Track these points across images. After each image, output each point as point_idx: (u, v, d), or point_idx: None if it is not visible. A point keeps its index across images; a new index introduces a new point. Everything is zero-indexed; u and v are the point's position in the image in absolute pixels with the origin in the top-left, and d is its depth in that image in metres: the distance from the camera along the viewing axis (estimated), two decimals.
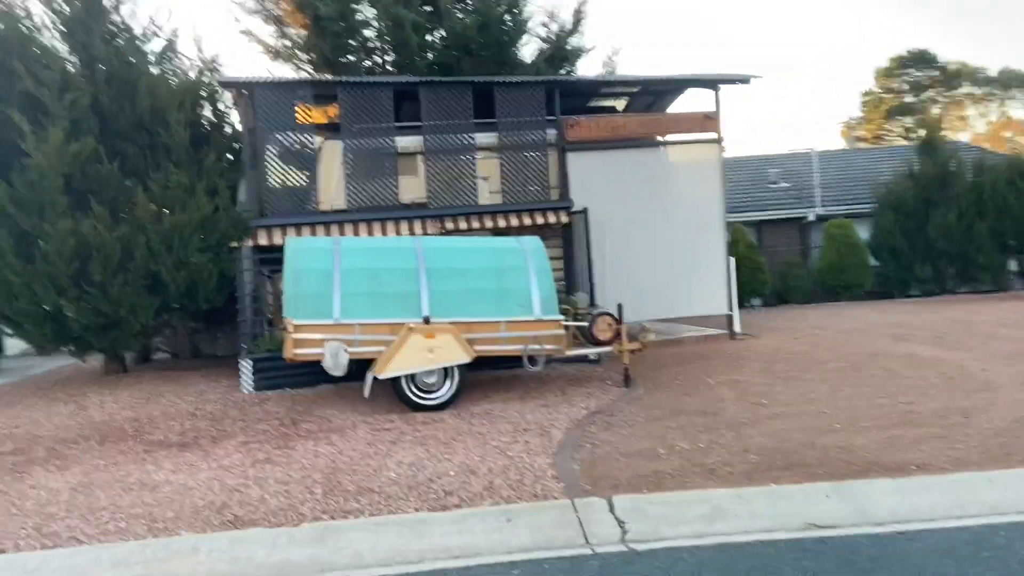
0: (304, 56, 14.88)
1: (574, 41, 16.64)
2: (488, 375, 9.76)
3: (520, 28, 15.51)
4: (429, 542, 5.11)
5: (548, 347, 8.74)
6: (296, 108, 11.15)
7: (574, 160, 12.15)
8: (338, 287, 8.35)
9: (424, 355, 8.20)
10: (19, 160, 9.73)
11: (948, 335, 11.86)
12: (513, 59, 15.58)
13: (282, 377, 9.90)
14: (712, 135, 12.62)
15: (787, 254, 21.52)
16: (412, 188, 11.71)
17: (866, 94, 43.72)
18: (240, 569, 4.91)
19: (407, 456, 6.73)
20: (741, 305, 19.05)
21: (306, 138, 11.23)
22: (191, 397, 9.94)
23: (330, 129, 11.78)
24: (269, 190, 11.12)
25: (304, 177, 11.21)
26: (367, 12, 14.60)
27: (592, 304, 11.62)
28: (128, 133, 10.54)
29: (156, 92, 10.45)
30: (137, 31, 11.31)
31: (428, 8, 14.71)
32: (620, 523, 5.22)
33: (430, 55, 14.81)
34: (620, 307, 9.46)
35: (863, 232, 20.47)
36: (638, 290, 12.29)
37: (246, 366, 10.04)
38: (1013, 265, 19.65)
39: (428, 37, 14.74)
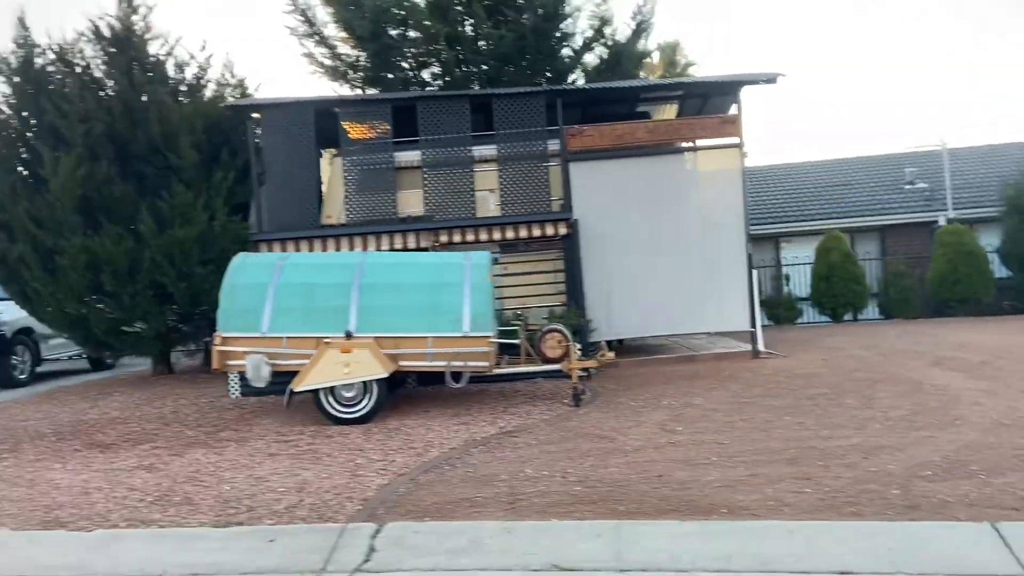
0: (353, 74, 15.47)
1: (637, 45, 16.23)
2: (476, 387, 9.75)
3: (565, 37, 15.29)
4: (191, 556, 5.19)
5: (472, 364, 8.56)
6: (299, 127, 11.62)
7: (577, 170, 11.77)
8: (270, 301, 8.64)
9: (340, 369, 8.30)
10: (43, 184, 10.92)
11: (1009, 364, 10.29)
12: (561, 67, 15.38)
13: (269, 385, 10.35)
14: (731, 140, 11.73)
15: (904, 263, 19.49)
16: (411, 202, 11.86)
17: None
18: (22, 564, 5.25)
19: (264, 470, 6.86)
20: (838, 319, 17.71)
21: (309, 155, 11.68)
22: (183, 400, 10.69)
23: (333, 145, 12.18)
24: (273, 206, 11.69)
25: (307, 193, 11.67)
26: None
27: (581, 319, 11.21)
28: (145, 156, 11.50)
29: (166, 119, 11.32)
30: (169, 62, 12.31)
31: (468, 21, 14.83)
32: (371, 551, 5.05)
33: (471, 67, 14.93)
34: (585, 323, 9.10)
35: (993, 238, 18.22)
36: (647, 305, 11.73)
37: (234, 374, 10.61)
38: None
39: (467, 49, 14.84)
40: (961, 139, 35.01)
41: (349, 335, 8.44)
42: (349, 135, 11.82)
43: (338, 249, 11.39)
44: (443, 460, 6.89)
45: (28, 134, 11.20)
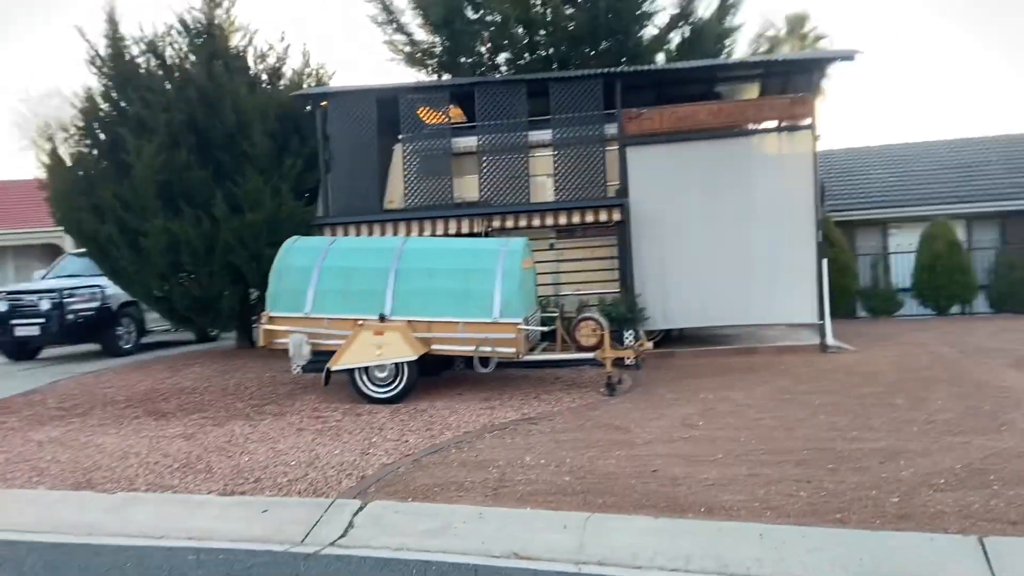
0: (429, 61, 15.72)
1: (723, 22, 15.73)
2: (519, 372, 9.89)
3: (644, 16, 14.96)
4: (192, 522, 5.56)
5: (500, 349, 8.62)
6: (362, 114, 11.97)
7: (634, 155, 11.55)
8: (314, 283, 9.01)
9: (373, 351, 8.56)
10: (130, 170, 11.74)
11: None
12: (639, 48, 15.07)
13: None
14: (803, 123, 11.18)
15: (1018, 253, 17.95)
16: (468, 187, 12.00)
17: None
18: (46, 521, 5.77)
19: (286, 444, 7.20)
20: (942, 311, 16.59)
21: (370, 141, 12.01)
22: (251, 374, 11.31)
23: (397, 133, 12.46)
24: (337, 191, 12.11)
25: (368, 178, 12.01)
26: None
27: (632, 309, 11.04)
28: (222, 143, 12.14)
29: (241, 108, 11.90)
30: (249, 54, 12.94)
31: (539, 4, 14.76)
32: (349, 527, 5.25)
33: (544, 51, 14.88)
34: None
35: None
36: (705, 294, 11.42)
37: None
38: None
39: (542, 32, 14.79)
40: None
41: (383, 318, 8.69)
42: (415, 121, 12.02)
43: (395, 233, 11.68)
44: (453, 443, 7.01)
45: (116, 123, 12.04)
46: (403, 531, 5.13)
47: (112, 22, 12.09)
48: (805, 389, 8.79)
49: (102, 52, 12.18)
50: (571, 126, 11.59)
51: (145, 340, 15.98)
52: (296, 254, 9.36)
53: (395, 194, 12.29)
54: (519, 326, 8.57)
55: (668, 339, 12.37)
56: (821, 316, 11.18)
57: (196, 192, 11.80)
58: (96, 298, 14.92)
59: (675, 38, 15.74)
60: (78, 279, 15.31)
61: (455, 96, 12.14)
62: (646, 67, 12.68)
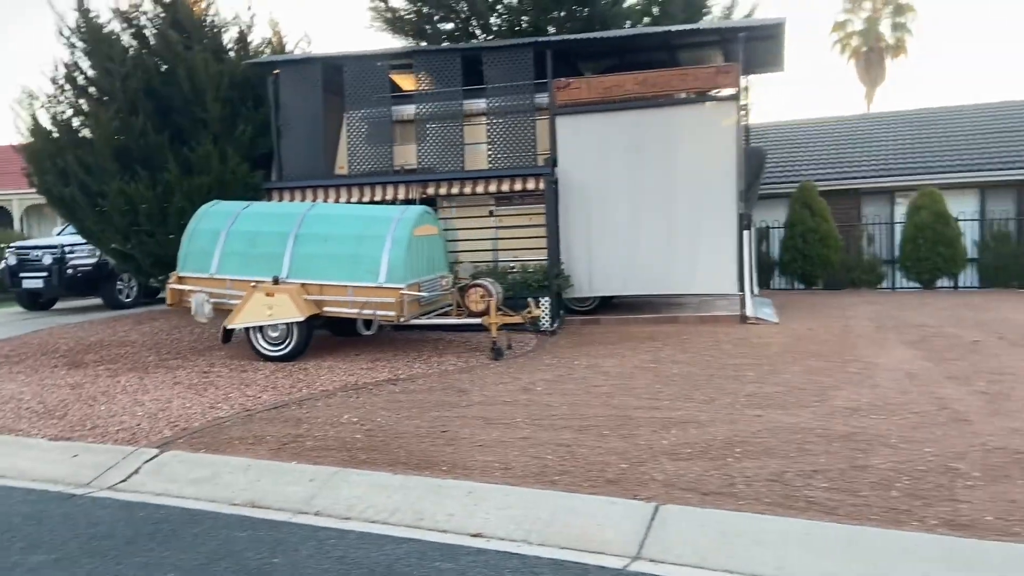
0: (408, 28, 15.96)
1: None
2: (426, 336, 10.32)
3: None
4: (11, 462, 6.21)
5: (381, 313, 9.00)
6: (309, 83, 12.38)
7: (564, 124, 11.63)
8: (221, 246, 9.57)
9: (264, 311, 9.08)
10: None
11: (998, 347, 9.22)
12: (604, 14, 14.95)
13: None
14: (727, 92, 11.04)
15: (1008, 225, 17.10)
16: (408, 155, 12.33)
17: None
18: None
19: (153, 395, 7.81)
20: (928, 285, 16.08)
21: (316, 109, 12.43)
22: (197, 332, 12.01)
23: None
24: (287, 157, 12.62)
25: (314, 144, 12.46)
26: None
27: (559, 276, 11.25)
28: (180, 110, 12.77)
29: (195, 76, 12.47)
30: (210, 22, 13.49)
31: None
32: (134, 473, 5.79)
33: (502, 17, 14.97)
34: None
35: None
36: (630, 263, 11.52)
37: None
38: None
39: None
40: None
41: (276, 280, 9.18)
42: (359, 89, 12.36)
43: (340, 198, 12.13)
44: (299, 400, 7.47)
45: (81, 90, 12.82)
46: (175, 479, 5.64)
47: None
48: (679, 359, 8.90)
49: (71, 22, 12.95)
50: (504, 95, 11.75)
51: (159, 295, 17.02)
52: (208, 218, 9.93)
53: (343, 160, 12.72)
54: (400, 291, 8.93)
55: (607, 306, 12.52)
56: (741, 287, 11.12)
57: (153, 156, 12.48)
58: (94, 255, 15.97)
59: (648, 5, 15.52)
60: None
61: (397, 65, 12.40)
62: (573, 36, 12.63)
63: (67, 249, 16.07)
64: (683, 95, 11.43)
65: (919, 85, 44.77)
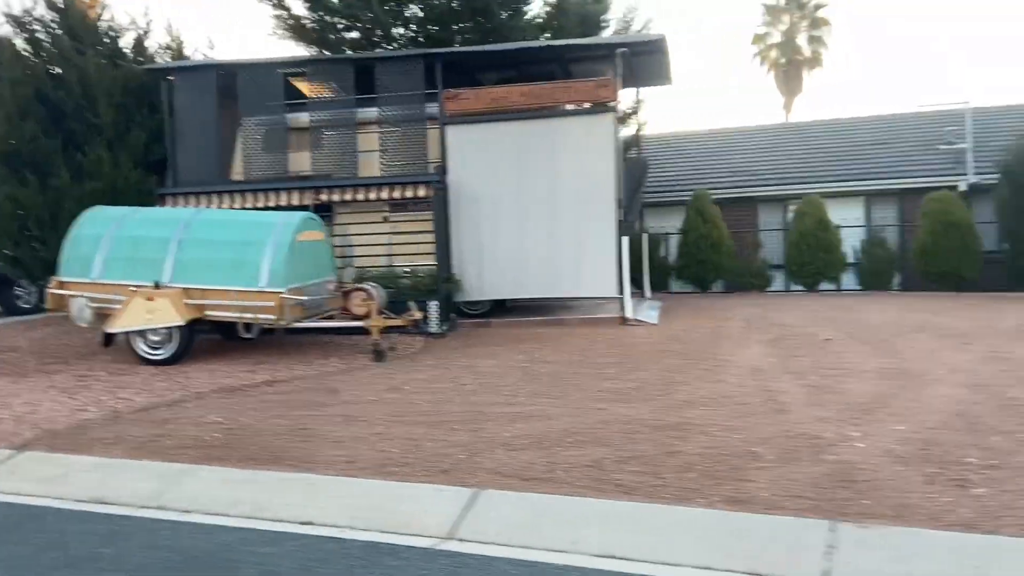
0: (312, 36, 16.12)
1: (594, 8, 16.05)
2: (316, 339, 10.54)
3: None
4: None
5: (261, 316, 9.23)
6: (203, 89, 12.48)
7: (454, 133, 12.03)
8: (103, 251, 9.62)
9: (144, 315, 9.20)
10: None
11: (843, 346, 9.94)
12: (509, 26, 15.40)
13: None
14: (606, 105, 11.60)
15: (884, 232, 18.15)
16: (302, 161, 12.54)
17: None
18: None
19: (23, 399, 7.85)
20: (811, 288, 16.97)
21: (210, 115, 12.54)
22: (88, 336, 11.95)
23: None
24: (180, 162, 12.68)
25: (208, 150, 12.56)
26: None
27: (448, 280, 11.62)
28: (73, 115, 12.70)
29: (87, 82, 12.44)
30: (103, 28, 13.43)
31: None
32: None
33: (409, 28, 15.28)
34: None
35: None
36: (518, 268, 11.97)
37: None
38: None
39: (410, 9, 15.17)
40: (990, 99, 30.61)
41: (157, 285, 9.30)
42: (254, 96, 12.52)
43: (232, 204, 12.26)
44: (170, 403, 7.65)
45: None
46: (28, 477, 5.79)
47: None
48: (552, 359, 9.37)
49: None
50: (396, 104, 12.09)
51: None
52: (90, 223, 9.98)
53: (239, 166, 12.85)
54: (281, 295, 9.16)
55: (501, 310, 12.94)
56: (620, 291, 11.68)
57: (44, 161, 12.38)
58: None
59: (547, 19, 16.03)
60: None
61: (292, 73, 12.60)
62: (460, 49, 13.12)
63: None
64: (567, 107, 11.93)
65: (835, 95, 46.96)
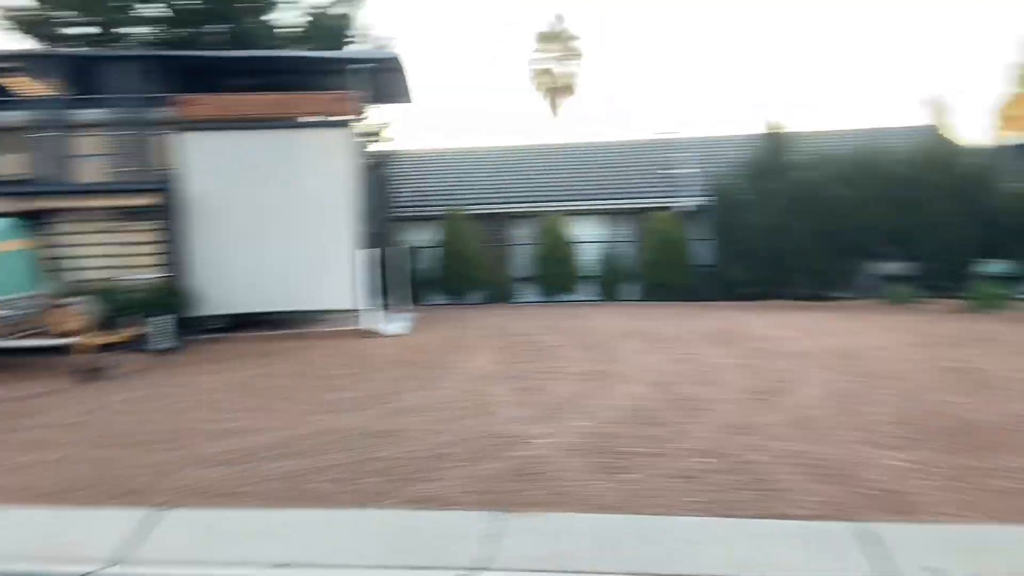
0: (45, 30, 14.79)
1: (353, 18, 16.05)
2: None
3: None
4: None
5: None
6: None
7: (189, 141, 11.56)
8: None
9: None
10: None
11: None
12: (258, 35, 15.02)
13: None
14: (343, 119, 11.72)
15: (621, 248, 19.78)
16: (13, 164, 11.43)
17: None
18: None
19: None
20: (553, 299, 18.02)
21: None
22: None
23: None
24: None
25: None
26: None
27: (180, 293, 11.11)
28: None
29: None
30: None
31: None
32: None
33: (155, 28, 14.47)
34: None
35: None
36: (260, 280, 11.68)
37: None
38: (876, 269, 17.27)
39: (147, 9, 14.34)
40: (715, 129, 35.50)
41: None
42: None
43: None
44: None
45: None
46: None
47: None
48: (282, 372, 9.30)
49: None
50: (125, 107, 11.39)
51: None
52: None
53: None
54: None
55: (247, 324, 12.52)
56: (358, 303, 11.78)
57: None
58: None
59: (307, 30, 15.87)
60: None
61: (3, 68, 11.49)
62: (194, 53, 12.75)
63: None
64: (307, 119, 11.87)
65: (601, 119, 50.48)
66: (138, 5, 14.47)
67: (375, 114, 16.35)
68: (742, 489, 5.02)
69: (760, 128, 18.17)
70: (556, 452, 5.79)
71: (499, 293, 18.24)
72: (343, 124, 11.64)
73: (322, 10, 15.49)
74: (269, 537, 4.61)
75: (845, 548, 4.32)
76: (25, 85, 11.99)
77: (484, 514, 4.72)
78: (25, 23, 15.09)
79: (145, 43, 14.79)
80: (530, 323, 13.49)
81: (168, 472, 5.55)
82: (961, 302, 14.37)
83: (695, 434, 6.20)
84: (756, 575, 4.10)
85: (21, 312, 9.02)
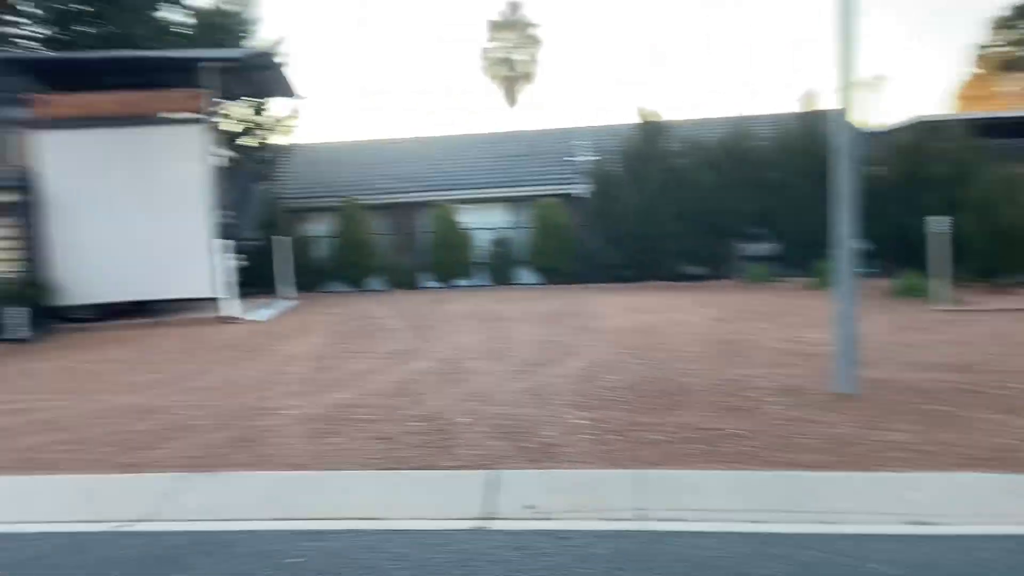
0: None
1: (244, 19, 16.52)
2: None
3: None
4: None
5: None
6: None
7: (48, 139, 12.08)
8: None
9: None
10: None
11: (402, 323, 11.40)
12: (139, 35, 15.40)
13: None
14: (196, 115, 12.28)
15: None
16: None
17: None
18: None
19: None
20: (449, 284, 18.66)
21: None
22: None
23: None
24: None
25: None
26: None
27: (36, 285, 11.65)
28: None
29: None
30: None
31: None
32: None
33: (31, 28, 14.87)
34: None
35: None
36: (121, 271, 12.25)
37: None
38: (741, 250, 18.15)
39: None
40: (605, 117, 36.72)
41: None
42: None
43: None
44: None
45: None
46: None
47: None
48: (116, 358, 9.89)
49: None
50: None
51: None
52: None
53: None
54: None
55: (118, 313, 13.08)
56: (214, 290, 12.40)
57: None
58: None
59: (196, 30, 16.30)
60: None
61: None
62: (59, 55, 13.18)
63: None
64: (165, 115, 12.40)
65: (551, 105, 51.12)
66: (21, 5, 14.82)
67: (254, 108, 16.92)
68: (423, 447, 5.70)
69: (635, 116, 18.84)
70: (289, 422, 6.45)
71: (399, 280, 18.79)
72: (196, 121, 12.19)
73: (215, 7, 15.93)
74: None
75: (470, 491, 5.00)
76: None
77: (175, 474, 5.38)
78: None
79: (30, 39, 15.17)
80: (392, 308, 14.09)
81: None
82: (811, 280, 15.20)
83: (430, 402, 6.89)
84: (382, 514, 4.78)
85: None
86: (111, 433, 6.35)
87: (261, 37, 17.21)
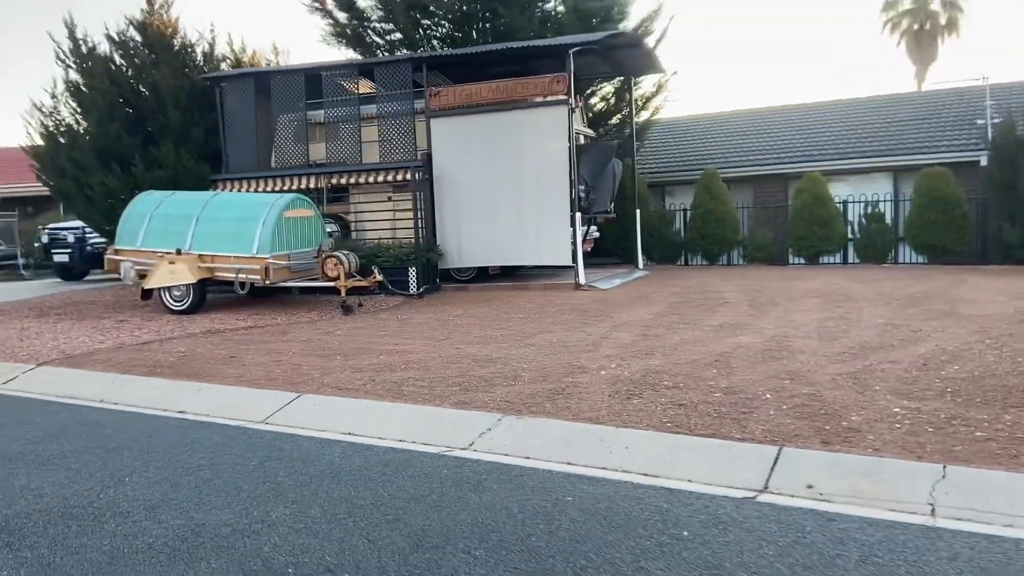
0: (346, 40, 18.58)
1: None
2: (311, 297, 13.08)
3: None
4: None
5: (251, 277, 11.69)
6: (245, 93, 15.15)
7: (436, 125, 14.05)
8: (145, 225, 12.42)
9: (168, 276, 11.89)
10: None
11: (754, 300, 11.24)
12: (517, 27, 17.08)
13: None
14: (560, 97, 13.24)
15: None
16: (318, 151, 14.98)
17: None
18: None
19: (68, 335, 10.61)
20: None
21: (250, 114, 15.20)
22: None
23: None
24: (230, 154, 15.46)
25: (248, 143, 15.26)
26: None
27: (429, 250, 13.74)
28: (149, 117, 15.76)
29: (158, 90, 15.42)
30: (176, 43, 16.41)
31: None
32: (12, 379, 8.58)
33: (433, 30, 17.39)
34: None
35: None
36: (490, 240, 13.91)
37: None
38: None
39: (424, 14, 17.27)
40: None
41: (179, 251, 11.97)
42: (284, 97, 15.08)
43: (266, 188, 14.90)
44: (165, 339, 10.17)
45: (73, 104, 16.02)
46: (34, 381, 8.41)
47: (70, 27, 15.96)
48: (482, 314, 11.26)
49: (65, 47, 16.08)
50: (389, 102, 14.24)
51: None
52: (139, 203, 12.82)
53: (272, 157, 15.47)
54: (266, 260, 11.58)
55: (486, 277, 14.93)
56: (574, 260, 13.36)
57: (126, 154, 15.50)
58: None
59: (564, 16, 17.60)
60: None
61: (310, 77, 15.02)
62: (443, 52, 15.04)
63: (87, 230, 19.32)
64: (533, 100, 13.65)
65: (969, 63, 44.51)
66: (427, 20, 17.34)
67: (618, 87, 17.68)
68: (717, 416, 5.76)
69: None
70: (599, 381, 6.93)
71: (758, 255, 18.38)
72: (560, 102, 13.25)
73: None
74: (358, 417, 6.55)
75: (751, 464, 5.00)
76: (360, 87, 15.42)
77: (493, 415, 6.17)
78: (341, 35, 18.94)
79: (426, 41, 17.68)
80: (739, 283, 13.90)
81: (327, 373, 7.81)
82: None
83: (739, 376, 6.86)
84: (659, 472, 5.02)
85: (305, 262, 12.19)
86: (458, 375, 7.42)
87: (634, 15, 17.86)
